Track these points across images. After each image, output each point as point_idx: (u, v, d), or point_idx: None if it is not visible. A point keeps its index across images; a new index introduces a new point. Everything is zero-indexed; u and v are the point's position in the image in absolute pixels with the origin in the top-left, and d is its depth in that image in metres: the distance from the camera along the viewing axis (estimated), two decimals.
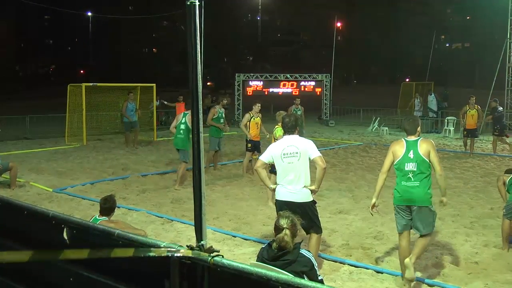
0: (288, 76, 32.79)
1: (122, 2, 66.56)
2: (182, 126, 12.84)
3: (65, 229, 3.16)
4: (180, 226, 9.47)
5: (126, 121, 20.45)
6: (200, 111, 3.01)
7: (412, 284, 6.79)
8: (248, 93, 31.80)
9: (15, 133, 22.88)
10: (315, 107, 32.05)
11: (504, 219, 8.48)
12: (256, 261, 4.96)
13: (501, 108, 20.82)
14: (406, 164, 6.80)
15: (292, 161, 6.98)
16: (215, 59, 55.47)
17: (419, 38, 58.05)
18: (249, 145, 14.43)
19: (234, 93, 32.65)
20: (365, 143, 22.13)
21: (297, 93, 31.64)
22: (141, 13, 56.83)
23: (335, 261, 7.71)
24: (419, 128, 7.08)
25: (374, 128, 27.73)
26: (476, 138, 19.52)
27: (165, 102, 26.86)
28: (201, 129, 3.00)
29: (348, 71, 75.59)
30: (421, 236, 6.92)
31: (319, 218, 7.35)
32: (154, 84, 24.29)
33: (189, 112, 12.89)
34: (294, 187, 6.96)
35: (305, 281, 2.32)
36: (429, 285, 6.87)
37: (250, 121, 14.39)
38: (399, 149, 6.94)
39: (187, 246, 2.67)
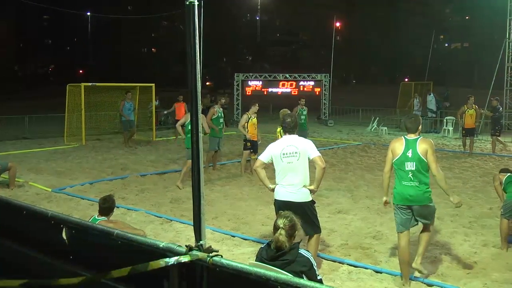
0: (287, 76, 32.82)
1: (121, 2, 66.57)
2: (190, 127, 12.81)
3: (64, 229, 3.16)
4: (179, 226, 9.47)
5: (124, 120, 20.47)
6: (199, 111, 3.00)
7: (421, 275, 6.94)
8: (247, 93, 31.82)
9: (14, 133, 22.89)
10: (314, 107, 32.03)
11: (502, 218, 8.48)
12: (255, 261, 4.95)
13: (501, 108, 20.87)
14: (405, 163, 6.82)
15: (292, 161, 6.98)
16: (214, 59, 55.51)
17: (418, 38, 58.14)
18: (248, 144, 14.43)
19: (233, 93, 32.66)
20: (364, 143, 22.14)
21: (296, 93, 31.69)
22: (140, 13, 56.79)
23: (334, 261, 7.71)
24: (420, 127, 7.09)
25: (373, 128, 27.75)
26: (475, 138, 19.56)
27: (165, 112, 27.01)
28: (200, 129, 2.99)
29: (347, 71, 75.64)
30: (422, 231, 7.08)
31: (318, 218, 7.35)
32: (153, 84, 24.30)
33: None
34: (293, 187, 6.96)
35: (304, 281, 2.32)
36: (428, 284, 6.87)
37: (247, 121, 14.40)
38: (398, 146, 6.96)
39: (186, 246, 2.67)
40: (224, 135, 16.87)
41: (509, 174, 8.91)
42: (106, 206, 7.03)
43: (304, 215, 6.58)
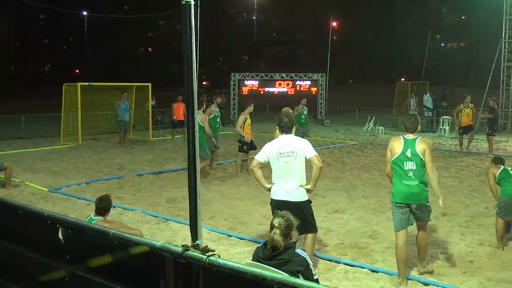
0: (284, 75, 32.82)
1: (118, 2, 66.48)
2: None
3: (60, 229, 3.16)
4: (175, 226, 9.47)
5: (119, 120, 20.46)
6: (196, 110, 3.01)
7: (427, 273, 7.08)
8: (244, 93, 31.82)
9: (10, 132, 22.85)
10: (310, 107, 31.94)
11: (497, 218, 8.50)
12: (252, 260, 4.95)
13: (498, 108, 20.92)
14: (405, 162, 6.88)
15: (288, 160, 6.97)
16: (211, 58, 55.48)
17: (414, 37, 58.23)
18: (245, 147, 14.40)
19: (229, 92, 32.66)
20: (360, 143, 22.14)
21: (293, 93, 31.73)
22: (137, 12, 56.71)
23: (331, 261, 7.72)
24: (419, 127, 7.18)
25: (370, 128, 27.77)
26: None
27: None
28: (197, 128, 3.00)
29: (344, 70, 75.65)
30: (419, 235, 7.18)
31: (315, 218, 7.35)
32: (150, 84, 24.29)
33: (200, 111, 13.39)
34: (289, 186, 6.96)
35: (300, 281, 2.32)
36: (424, 283, 6.88)
37: (244, 122, 14.39)
38: (397, 145, 7.00)
39: (182, 245, 2.67)
40: (221, 135, 16.87)
41: (503, 168, 8.77)
42: (103, 206, 7.02)
43: (301, 214, 6.58)
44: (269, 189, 7.17)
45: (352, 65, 73.90)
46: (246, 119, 14.38)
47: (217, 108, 15.46)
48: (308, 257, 4.87)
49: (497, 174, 8.69)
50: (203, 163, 13.38)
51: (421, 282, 6.90)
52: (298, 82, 32.41)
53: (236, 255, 7.85)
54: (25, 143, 20.75)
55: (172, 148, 19.89)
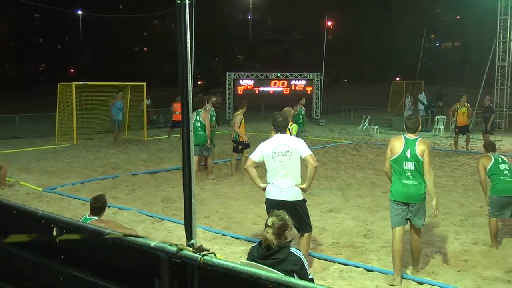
0: (279, 75, 32.83)
1: (113, 1, 66.39)
2: (198, 124, 13.50)
3: (54, 229, 3.15)
4: (170, 225, 9.47)
5: (113, 119, 20.45)
6: (191, 110, 3.01)
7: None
8: (239, 92, 31.81)
9: (4, 132, 22.81)
10: (305, 106, 32.05)
11: (490, 217, 8.53)
12: (247, 259, 4.96)
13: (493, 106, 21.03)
14: (404, 162, 6.98)
15: (283, 159, 6.98)
16: (206, 58, 55.42)
17: (409, 37, 58.18)
18: (240, 147, 14.42)
19: (225, 92, 32.66)
20: (355, 142, 22.17)
21: (288, 92, 31.74)
22: (132, 12, 56.61)
23: (326, 260, 7.73)
24: (419, 127, 7.33)
25: (365, 127, 27.81)
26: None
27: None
28: (192, 128, 3.00)
29: (339, 70, 75.69)
30: (413, 239, 7.23)
31: (310, 217, 7.37)
32: (145, 83, 24.27)
33: (201, 110, 13.64)
34: (284, 186, 6.96)
35: (295, 280, 2.32)
36: (418, 282, 6.90)
37: (241, 122, 14.41)
38: (397, 145, 7.09)
39: (177, 245, 2.67)
40: (216, 134, 16.85)
41: (493, 160, 8.67)
42: (97, 206, 7.00)
43: (296, 213, 6.59)
44: (264, 189, 7.18)
45: (347, 64, 73.90)
46: (242, 119, 14.41)
47: (212, 108, 15.47)
48: (303, 256, 4.88)
49: (488, 168, 8.64)
50: (210, 159, 14.09)
51: (415, 281, 6.92)
52: (293, 82, 32.42)
53: (231, 254, 7.85)
54: (20, 143, 20.70)
55: (167, 147, 19.88)
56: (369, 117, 28.47)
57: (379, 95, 39.72)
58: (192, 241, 2.80)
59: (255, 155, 7.21)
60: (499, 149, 19.53)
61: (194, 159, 13.92)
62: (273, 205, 6.77)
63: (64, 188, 12.49)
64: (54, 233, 3.14)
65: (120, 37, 67.31)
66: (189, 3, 2.93)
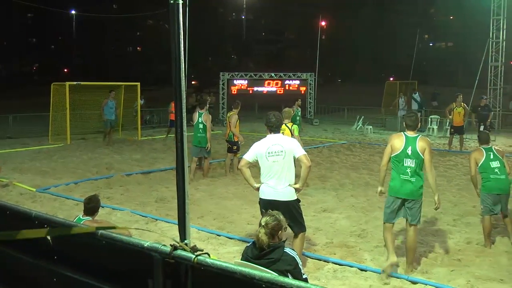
0: (273, 75, 32.83)
1: (106, 1, 66.25)
2: (201, 126, 13.74)
3: (48, 229, 3.14)
4: (164, 225, 9.46)
5: (106, 119, 20.44)
6: (184, 110, 3.00)
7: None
8: (233, 92, 31.80)
9: None
10: (299, 106, 32.09)
11: (483, 216, 8.57)
12: (241, 259, 4.96)
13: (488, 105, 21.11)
14: (404, 159, 7.14)
15: (277, 159, 6.98)
16: (200, 58, 55.38)
17: (403, 37, 58.25)
18: (234, 147, 14.42)
19: (218, 92, 32.64)
20: (349, 142, 22.20)
21: (282, 92, 31.76)
22: (125, 12, 56.51)
23: (319, 260, 7.74)
24: (419, 125, 7.50)
25: (358, 127, 27.87)
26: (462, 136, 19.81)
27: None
28: (185, 128, 2.99)
29: (333, 70, 75.75)
30: (408, 237, 7.34)
31: (303, 217, 7.38)
32: (139, 83, 24.24)
33: (203, 111, 13.82)
34: (278, 185, 6.97)
35: (289, 280, 2.32)
36: (412, 282, 6.92)
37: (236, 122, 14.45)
38: (398, 142, 7.24)
39: (170, 245, 2.67)
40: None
41: (485, 156, 8.66)
42: (91, 206, 6.98)
43: (290, 213, 6.60)
44: (258, 189, 7.18)
45: (341, 64, 74.00)
46: (237, 119, 14.46)
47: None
48: (297, 256, 4.89)
49: (479, 165, 8.67)
50: (207, 161, 14.20)
51: (409, 281, 6.94)
52: (287, 82, 32.43)
53: (225, 254, 7.85)
54: (13, 143, 20.62)
55: (161, 147, 19.86)
56: (362, 117, 28.51)
57: (372, 95, 39.77)
58: (185, 241, 2.79)
59: (249, 155, 7.21)
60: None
61: (194, 160, 14.11)
62: (266, 205, 6.78)
63: (57, 189, 12.45)
64: (48, 233, 3.14)
65: (113, 37, 67.18)
66: (182, 3, 2.93)
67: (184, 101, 2.99)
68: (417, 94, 29.63)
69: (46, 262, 3.03)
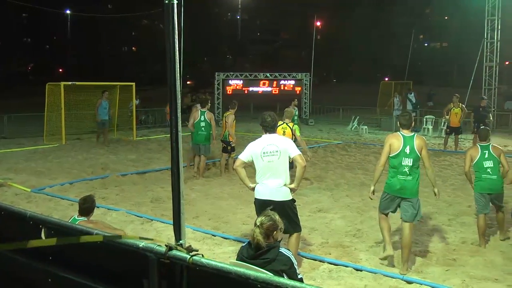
0: (268, 75, 32.84)
1: (101, 1, 66.11)
2: (202, 124, 13.89)
3: (43, 230, 3.14)
4: (159, 226, 9.44)
5: (100, 120, 20.44)
6: (179, 109, 3.00)
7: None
8: (228, 92, 31.82)
9: None
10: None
11: (478, 215, 8.62)
12: (236, 259, 4.96)
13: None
14: (403, 158, 7.29)
15: (272, 159, 6.98)
16: (195, 58, 55.32)
17: (398, 37, 58.33)
18: (229, 147, 14.44)
19: (214, 92, 32.63)
20: (344, 142, 22.21)
21: (277, 92, 31.79)
22: (121, 11, 56.39)
23: (315, 260, 7.75)
24: (412, 124, 7.67)
25: (354, 127, 27.88)
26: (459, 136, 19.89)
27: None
28: (180, 128, 3.00)
29: (328, 70, 75.80)
30: (404, 234, 7.41)
31: (299, 217, 7.38)
32: (134, 83, 24.19)
33: (205, 110, 13.97)
34: (273, 185, 6.97)
35: (284, 280, 2.33)
36: (407, 281, 6.93)
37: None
38: (396, 142, 7.38)
39: (166, 245, 2.67)
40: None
41: (480, 154, 8.70)
42: (86, 206, 6.97)
43: (285, 213, 6.59)
44: (253, 189, 7.18)
45: (336, 64, 74.07)
46: (234, 119, 14.51)
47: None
48: (292, 256, 4.89)
49: (474, 162, 8.75)
50: (204, 159, 14.19)
51: (404, 280, 6.95)
52: (282, 82, 32.45)
53: (221, 254, 7.85)
54: (8, 143, 20.56)
55: (156, 148, 19.83)
56: (358, 117, 28.52)
57: (368, 95, 39.79)
58: (180, 241, 2.80)
59: (244, 155, 7.20)
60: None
61: (191, 154, 14.53)
62: (262, 205, 6.77)
63: (52, 189, 12.43)
64: (43, 234, 3.14)
65: (108, 37, 67.07)
66: (177, 3, 2.93)
67: (179, 101, 2.99)
68: (412, 94, 29.67)
69: (41, 262, 3.02)
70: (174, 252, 2.61)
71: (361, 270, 7.31)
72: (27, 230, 3.20)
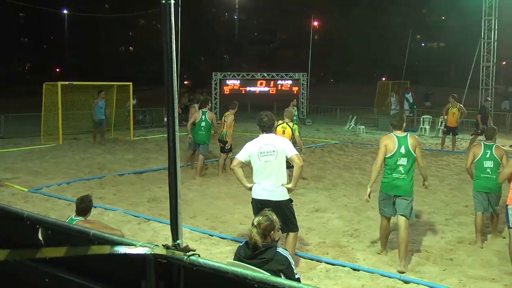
0: (265, 75, 32.85)
1: (98, 0, 66.05)
2: (203, 124, 14.01)
3: (40, 230, 3.13)
4: (157, 226, 9.44)
5: (96, 120, 20.44)
6: (176, 109, 3.00)
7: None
8: (225, 92, 31.84)
9: None
10: None
11: (476, 212, 8.67)
12: (233, 259, 4.96)
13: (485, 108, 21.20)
14: (398, 158, 7.50)
15: (269, 159, 6.98)
16: (192, 58, 55.29)
17: (395, 37, 58.39)
18: (227, 146, 14.45)
19: (211, 92, 32.62)
20: (341, 142, 22.22)
21: (274, 92, 31.81)
22: (118, 11, 56.35)
23: (312, 259, 7.75)
24: (404, 124, 7.83)
25: (351, 127, 27.90)
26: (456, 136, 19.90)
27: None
28: (177, 127, 2.99)
29: (325, 70, 75.83)
30: (400, 232, 7.55)
31: (296, 217, 7.38)
32: (131, 83, 24.16)
33: (207, 110, 14.13)
34: (270, 185, 6.97)
35: (281, 280, 2.33)
36: (404, 281, 6.93)
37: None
38: (391, 143, 7.59)
39: (163, 245, 2.67)
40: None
41: (482, 153, 8.74)
42: (83, 206, 6.97)
43: (282, 213, 6.59)
44: (250, 189, 7.17)
45: (333, 64, 74.13)
46: (233, 119, 14.57)
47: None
48: (289, 256, 4.89)
49: (476, 160, 8.81)
50: (202, 158, 14.22)
51: (401, 280, 6.95)
52: (279, 82, 32.49)
53: (218, 254, 7.85)
54: (5, 143, 20.53)
55: (153, 147, 19.81)
56: (355, 117, 28.56)
57: (365, 95, 39.80)
58: (178, 241, 2.79)
59: (241, 155, 7.20)
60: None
61: (188, 153, 14.65)
62: (259, 205, 6.78)
63: (50, 189, 12.41)
64: (40, 234, 3.13)
65: (105, 37, 67.00)
66: (174, 3, 2.93)
67: (176, 101, 2.99)
68: (409, 94, 29.70)
69: (38, 263, 3.02)
70: (171, 252, 2.60)
71: (358, 270, 7.32)
72: (25, 230, 3.19)
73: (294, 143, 11.18)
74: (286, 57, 73.14)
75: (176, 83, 2.97)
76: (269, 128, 7.24)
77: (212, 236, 8.89)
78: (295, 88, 32.43)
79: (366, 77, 65.59)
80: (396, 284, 6.88)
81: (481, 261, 7.72)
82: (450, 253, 8.10)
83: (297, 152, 7.12)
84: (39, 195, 11.75)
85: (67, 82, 22.32)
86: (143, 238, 8.33)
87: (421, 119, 26.40)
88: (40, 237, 3.14)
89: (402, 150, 7.51)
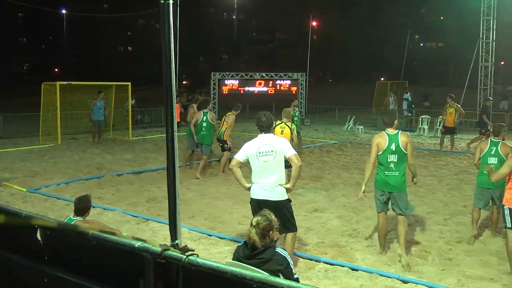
0: (264, 75, 32.86)
1: (97, 0, 66.03)
2: (205, 124, 14.15)
3: (38, 230, 3.13)
4: (155, 226, 9.44)
5: (94, 120, 20.44)
6: (174, 110, 3.00)
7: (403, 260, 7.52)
8: (224, 92, 31.85)
9: None
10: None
11: (474, 207, 8.87)
12: (232, 259, 4.96)
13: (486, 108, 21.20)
14: (389, 155, 7.69)
15: (268, 159, 6.98)
16: (191, 57, 55.28)
17: (394, 37, 58.40)
18: (226, 145, 14.47)
19: (210, 92, 32.62)
20: (340, 142, 22.24)
21: (273, 92, 31.81)
22: (117, 11, 56.32)
23: (311, 259, 7.75)
24: (396, 121, 8.00)
25: (349, 127, 27.91)
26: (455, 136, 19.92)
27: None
28: (175, 127, 2.99)
29: (324, 70, 75.82)
30: (399, 226, 7.78)
31: (295, 217, 7.38)
32: (129, 83, 24.14)
33: (207, 110, 14.29)
34: (269, 185, 6.97)
35: (280, 280, 2.32)
36: (403, 281, 6.93)
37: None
38: (382, 141, 7.78)
39: (161, 245, 2.67)
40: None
41: (487, 149, 8.77)
42: (82, 206, 6.96)
43: (281, 213, 6.59)
44: (249, 189, 7.17)
45: (332, 64, 74.11)
46: (234, 120, 14.65)
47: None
48: (288, 256, 4.89)
49: (482, 155, 8.87)
50: (205, 158, 14.37)
51: (400, 280, 6.95)
52: (278, 82, 32.50)
53: (217, 254, 7.85)
54: (3, 143, 20.52)
55: (152, 147, 19.81)
56: (354, 117, 28.57)
57: (363, 95, 39.80)
58: (176, 241, 2.79)
59: (240, 155, 7.20)
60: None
61: (187, 153, 14.83)
62: (258, 205, 6.78)
63: (48, 189, 12.41)
64: (38, 234, 3.13)
65: (104, 37, 67.00)
66: (173, 3, 2.93)
67: (174, 101, 2.99)
68: (408, 93, 29.73)
69: (36, 262, 3.01)
70: (170, 252, 2.60)
71: (357, 270, 7.32)
72: (23, 230, 3.19)
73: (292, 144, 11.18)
74: (284, 57, 73.14)
75: (175, 83, 2.97)
76: (267, 128, 7.24)
77: (211, 236, 8.89)
78: (293, 88, 32.45)
79: (364, 77, 65.61)
80: (394, 284, 6.88)
81: (479, 261, 7.73)
82: (448, 253, 8.10)
83: (296, 152, 7.13)
84: (37, 195, 11.75)
85: (65, 82, 22.30)
86: (142, 238, 8.31)
87: (420, 119, 26.41)
88: (38, 237, 3.14)
89: (393, 147, 7.71)
